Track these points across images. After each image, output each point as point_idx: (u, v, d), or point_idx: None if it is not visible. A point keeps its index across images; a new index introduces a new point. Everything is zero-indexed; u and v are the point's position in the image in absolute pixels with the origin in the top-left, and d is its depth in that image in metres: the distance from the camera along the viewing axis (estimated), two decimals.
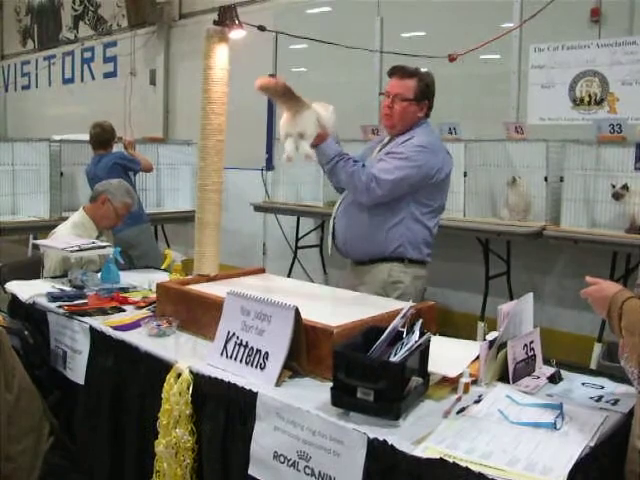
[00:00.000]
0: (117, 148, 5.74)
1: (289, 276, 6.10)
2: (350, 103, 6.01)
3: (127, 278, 3.22)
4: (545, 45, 4.89)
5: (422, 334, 1.79)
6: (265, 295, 2.08)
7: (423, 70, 2.95)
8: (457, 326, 4.86)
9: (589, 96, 4.70)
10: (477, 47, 3.85)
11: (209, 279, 2.67)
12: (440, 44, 4.71)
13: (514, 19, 4.99)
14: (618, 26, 4.67)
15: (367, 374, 1.65)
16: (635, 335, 1.59)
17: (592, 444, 1.61)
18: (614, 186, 4.13)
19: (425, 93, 2.88)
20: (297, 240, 6.26)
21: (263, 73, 6.63)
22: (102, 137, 5.48)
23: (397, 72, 2.88)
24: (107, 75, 9.58)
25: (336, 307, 2.37)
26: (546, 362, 2.14)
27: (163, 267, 3.28)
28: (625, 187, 4.08)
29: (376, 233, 2.87)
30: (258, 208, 6.22)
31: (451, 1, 5.43)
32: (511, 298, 4.43)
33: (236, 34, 2.66)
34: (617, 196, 4.10)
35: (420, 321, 1.82)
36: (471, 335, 4.44)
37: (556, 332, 4.67)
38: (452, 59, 3.56)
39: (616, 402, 1.85)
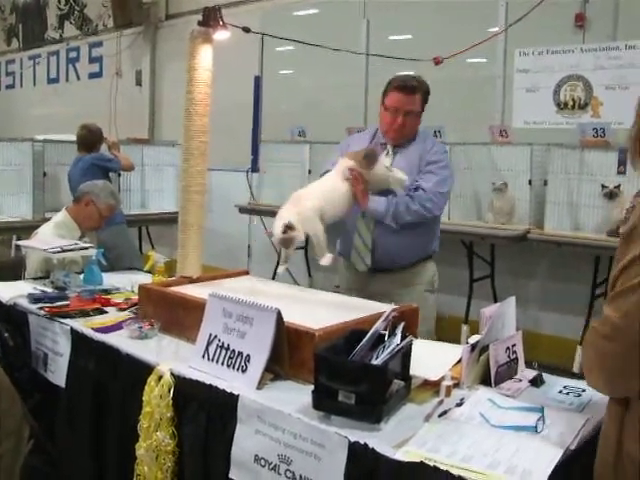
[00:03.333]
0: (103, 149, 5.71)
1: (273, 278, 6.08)
2: (336, 105, 6.02)
3: (110, 279, 3.19)
4: (530, 49, 4.92)
5: (404, 337, 1.79)
6: (248, 297, 2.07)
7: (418, 76, 2.97)
8: (442, 329, 4.86)
9: (573, 100, 4.73)
10: (462, 51, 3.87)
11: (192, 281, 2.65)
12: (426, 47, 4.74)
13: (499, 23, 5.02)
14: (602, 31, 4.71)
15: (348, 377, 1.64)
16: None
17: (573, 447, 1.61)
18: (605, 186, 4.15)
19: (426, 100, 2.94)
20: None
21: (249, 74, 6.67)
22: (88, 139, 5.45)
23: (403, 89, 2.86)
24: (92, 75, 9.54)
25: (319, 310, 2.36)
26: (529, 365, 2.15)
27: (145, 269, 3.26)
28: (618, 187, 4.10)
29: (425, 233, 2.98)
30: (243, 210, 6.21)
31: (437, 4, 5.45)
32: (495, 301, 4.44)
33: (220, 35, 2.66)
34: (611, 195, 4.11)
35: (402, 324, 1.82)
36: (456, 338, 4.45)
37: (539, 335, 4.69)
38: (437, 62, 3.58)
39: (596, 406, 1.86)
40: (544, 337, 4.71)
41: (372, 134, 3.04)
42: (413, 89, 2.86)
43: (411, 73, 2.97)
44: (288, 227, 2.33)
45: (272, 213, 5.87)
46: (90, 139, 5.47)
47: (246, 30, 2.81)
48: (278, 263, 6.17)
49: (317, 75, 6.15)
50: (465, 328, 4.78)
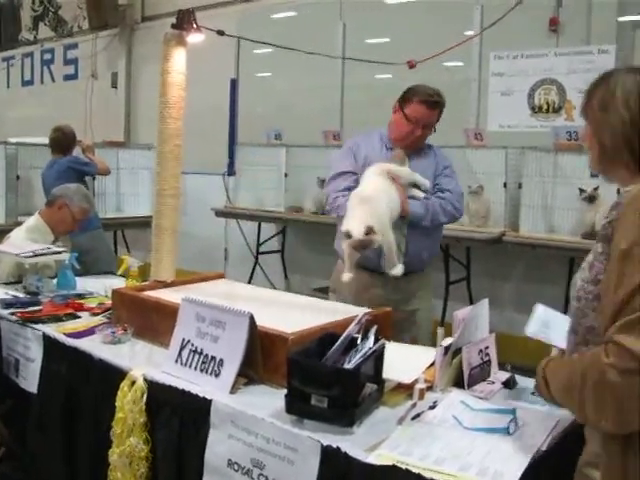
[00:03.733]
0: (76, 152, 5.65)
1: (250, 281, 6.08)
2: (312, 108, 6.02)
3: (84, 284, 3.17)
4: (505, 53, 4.95)
5: (377, 340, 1.79)
6: (222, 301, 2.06)
7: (438, 90, 2.94)
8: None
9: (547, 104, 4.77)
10: (436, 54, 3.88)
11: (166, 285, 2.64)
12: (403, 50, 4.74)
13: (475, 27, 5.05)
14: (576, 35, 4.76)
15: (321, 381, 1.64)
16: (570, 395, 1.43)
17: (544, 448, 1.63)
18: (583, 190, 4.19)
19: (441, 114, 2.97)
20: (258, 245, 6.25)
21: (225, 77, 6.65)
22: (62, 142, 5.38)
23: (427, 103, 2.86)
24: (68, 77, 9.44)
25: (293, 313, 2.36)
26: (503, 367, 2.16)
27: (119, 273, 3.23)
28: (596, 189, 4.14)
29: (438, 234, 3.05)
30: (219, 213, 6.19)
31: (413, 7, 5.47)
32: (471, 303, 4.46)
33: (194, 38, 2.64)
34: (590, 199, 4.15)
35: (374, 327, 1.82)
36: (432, 340, 4.46)
37: (515, 337, 4.69)
38: (411, 66, 3.58)
39: None
40: (519, 339, 4.70)
41: (379, 137, 3.01)
42: (436, 104, 2.88)
43: (432, 87, 2.93)
44: (370, 229, 2.30)
45: (248, 216, 5.99)
46: (64, 141, 5.40)
47: (220, 33, 2.80)
48: (255, 265, 6.23)
49: (293, 78, 6.14)
50: (441, 331, 4.78)
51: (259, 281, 6.19)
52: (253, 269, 6.22)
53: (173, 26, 2.63)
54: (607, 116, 1.47)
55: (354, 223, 2.32)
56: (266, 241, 6.28)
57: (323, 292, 4.87)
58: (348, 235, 2.32)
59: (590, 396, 1.36)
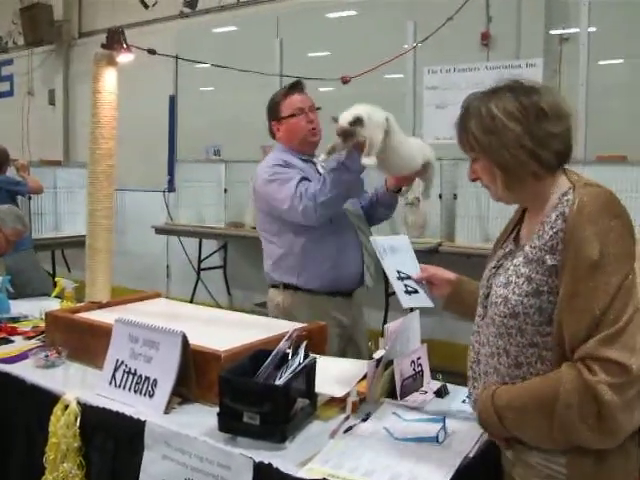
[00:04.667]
0: (10, 172, 5.54)
1: (193, 298, 6.06)
2: (251, 123, 6.03)
3: (18, 307, 3.10)
4: (438, 67, 5.07)
5: (307, 355, 1.82)
6: (157, 321, 2.06)
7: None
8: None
9: None
10: (369, 70, 3.94)
11: (101, 306, 2.61)
12: (342, 63, 4.82)
13: (408, 42, 5.17)
14: (506, 49, 4.91)
15: (252, 398, 1.66)
16: (541, 423, 1.40)
17: (472, 455, 1.67)
18: None
19: None
20: (200, 262, 6.23)
21: (164, 92, 6.62)
22: None
23: (295, 88, 2.84)
24: (3, 94, 9.25)
25: (228, 331, 2.37)
26: (435, 377, 2.21)
27: (54, 295, 3.18)
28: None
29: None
30: (159, 230, 6.15)
31: (351, 22, 5.56)
32: (411, 312, 4.52)
33: (124, 58, 2.64)
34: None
35: (304, 343, 1.84)
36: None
37: (456, 345, 4.80)
38: (345, 81, 3.62)
39: None
40: (460, 347, 4.80)
41: (284, 157, 2.77)
42: (298, 85, 2.83)
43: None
44: (358, 120, 2.31)
45: (189, 233, 5.96)
46: None
47: (151, 52, 2.81)
48: (197, 281, 6.20)
49: (232, 93, 6.16)
50: (382, 341, 4.84)
51: (202, 297, 6.17)
52: (195, 285, 6.20)
53: (103, 46, 2.63)
54: (498, 137, 1.48)
55: (347, 112, 2.35)
56: (208, 257, 6.27)
57: (265, 307, 4.88)
58: (335, 120, 2.36)
59: (576, 418, 1.32)
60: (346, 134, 2.36)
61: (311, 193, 2.55)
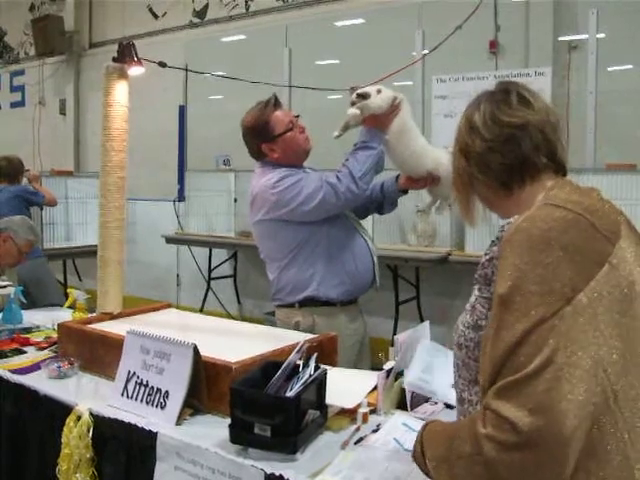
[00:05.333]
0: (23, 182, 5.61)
1: (203, 307, 6.08)
2: None
3: (30, 318, 3.13)
4: (447, 76, 5.08)
5: (317, 367, 1.83)
6: (169, 332, 2.08)
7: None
8: (370, 351, 4.93)
9: None
10: (379, 80, 3.94)
11: (112, 317, 2.64)
12: (351, 72, 4.84)
13: (417, 50, 5.18)
14: (514, 57, 4.92)
15: (263, 410, 1.67)
16: (441, 468, 1.22)
17: None
18: None
19: None
20: (210, 271, 6.25)
21: (175, 103, 6.67)
22: (7, 170, 5.35)
23: (274, 105, 2.78)
24: (15, 104, 9.34)
25: (240, 342, 2.38)
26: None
27: (66, 306, 3.21)
28: None
29: None
30: (170, 240, 6.17)
31: (359, 31, 5.58)
32: (422, 321, 4.51)
33: (135, 71, 2.67)
34: None
35: (315, 355, 1.85)
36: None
37: None
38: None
39: None
40: None
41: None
42: (275, 102, 2.76)
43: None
44: (364, 95, 2.58)
45: (199, 242, 5.98)
46: (10, 170, 5.38)
47: (162, 65, 2.83)
48: (207, 290, 6.22)
49: (242, 102, 6.10)
50: (392, 352, 4.85)
51: (212, 306, 6.19)
52: (205, 294, 6.21)
53: (114, 59, 2.65)
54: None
55: (368, 88, 2.62)
56: (218, 266, 6.29)
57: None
58: (352, 89, 2.65)
59: (461, 471, 1.16)
60: (353, 104, 2.62)
61: (345, 173, 2.59)
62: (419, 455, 1.32)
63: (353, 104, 2.62)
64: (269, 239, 2.76)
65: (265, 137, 2.72)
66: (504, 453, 1.08)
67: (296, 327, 2.68)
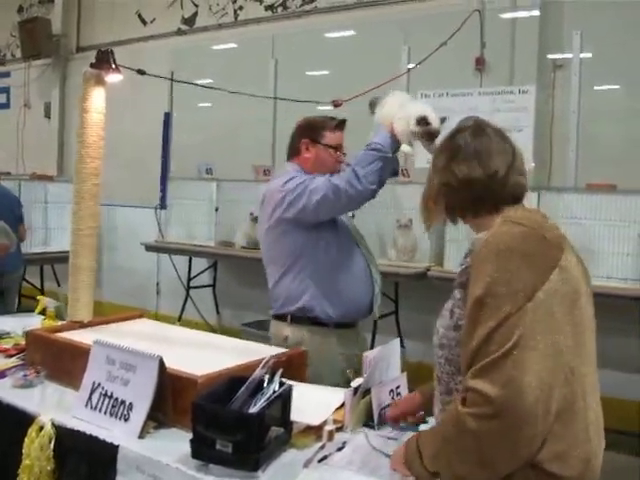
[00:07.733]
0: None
1: (182, 315, 6.03)
2: (244, 142, 6.07)
3: (1, 324, 3.09)
4: (431, 91, 5.08)
5: (282, 383, 1.80)
6: (138, 343, 2.05)
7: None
8: None
9: None
10: (362, 93, 3.94)
11: (82, 326, 2.60)
12: (337, 84, 4.83)
13: (402, 65, 5.19)
14: (499, 75, 4.94)
15: (225, 426, 1.65)
16: (439, 456, 1.46)
17: None
18: None
19: None
20: (189, 280, 6.21)
21: (160, 110, 6.63)
22: None
23: (341, 126, 2.85)
24: None
25: (208, 354, 2.35)
26: None
27: (37, 312, 3.17)
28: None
29: None
30: (150, 248, 6.12)
31: (347, 43, 5.59)
32: (399, 336, 4.51)
33: (113, 78, 2.65)
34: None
35: (280, 370, 1.83)
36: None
37: None
38: (336, 105, 3.60)
39: None
40: None
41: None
42: (344, 124, 2.85)
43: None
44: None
45: (179, 250, 5.94)
46: None
47: (141, 72, 2.80)
48: (186, 299, 6.17)
49: (226, 111, 6.17)
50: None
51: (191, 315, 6.15)
52: (184, 303, 6.17)
53: (92, 65, 2.63)
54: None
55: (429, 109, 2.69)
56: (197, 275, 6.25)
57: (253, 327, 4.87)
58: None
59: (454, 449, 1.39)
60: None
61: (348, 171, 2.61)
62: (416, 460, 1.52)
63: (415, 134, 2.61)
64: (275, 243, 2.75)
65: (311, 136, 2.80)
66: (483, 423, 1.32)
67: (284, 342, 2.65)
